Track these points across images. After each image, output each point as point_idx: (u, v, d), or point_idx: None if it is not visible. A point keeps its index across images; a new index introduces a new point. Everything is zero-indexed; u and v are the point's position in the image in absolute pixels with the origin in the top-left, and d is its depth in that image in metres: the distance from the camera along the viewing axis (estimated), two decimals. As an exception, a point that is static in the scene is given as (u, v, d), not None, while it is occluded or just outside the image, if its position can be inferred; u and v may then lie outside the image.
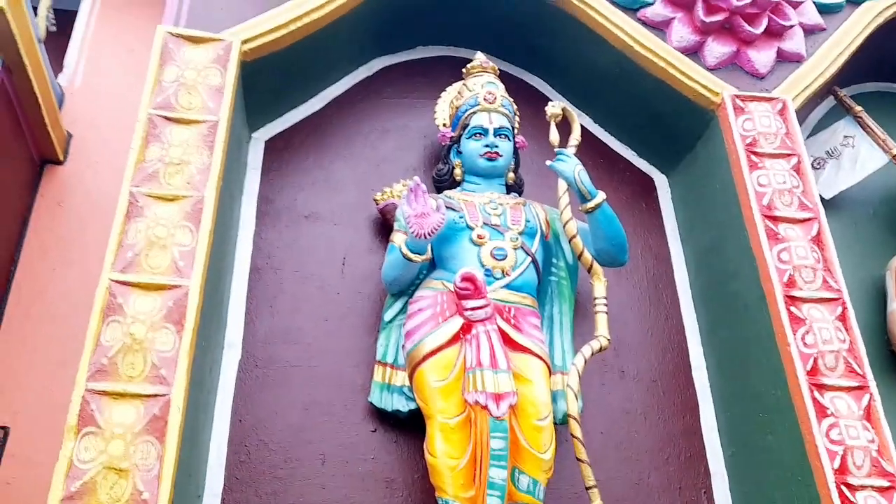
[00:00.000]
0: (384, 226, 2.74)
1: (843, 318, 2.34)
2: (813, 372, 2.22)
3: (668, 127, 2.93)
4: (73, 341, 2.27)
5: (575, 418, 2.21)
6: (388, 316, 2.52)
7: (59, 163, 2.99)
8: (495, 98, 2.72)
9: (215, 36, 2.57)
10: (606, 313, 2.38)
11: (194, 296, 2.11)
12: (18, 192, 2.85)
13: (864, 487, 2.07)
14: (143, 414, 1.94)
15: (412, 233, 2.31)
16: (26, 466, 2.43)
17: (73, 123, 3.08)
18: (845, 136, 2.94)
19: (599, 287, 2.43)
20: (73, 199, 2.95)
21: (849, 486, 2.06)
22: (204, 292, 2.16)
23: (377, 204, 2.75)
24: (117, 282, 2.10)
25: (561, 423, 2.31)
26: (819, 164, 2.94)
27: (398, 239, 2.45)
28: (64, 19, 3.30)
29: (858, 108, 2.99)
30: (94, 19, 3.43)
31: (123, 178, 2.27)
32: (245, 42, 2.60)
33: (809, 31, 2.93)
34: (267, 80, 2.75)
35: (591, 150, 2.99)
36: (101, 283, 2.09)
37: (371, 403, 2.43)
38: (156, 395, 1.96)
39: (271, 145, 2.91)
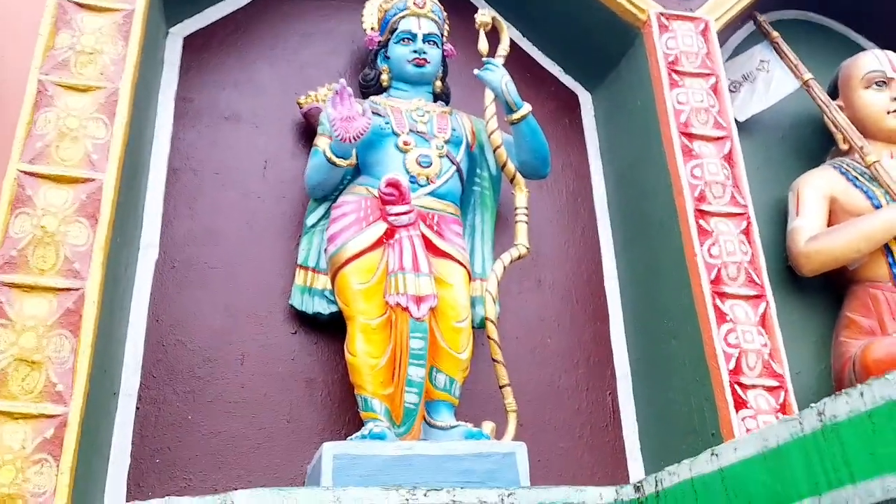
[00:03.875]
0: (308, 130, 2.70)
1: (747, 232, 2.47)
2: (716, 281, 2.35)
3: (595, 43, 2.95)
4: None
5: (492, 321, 2.29)
6: (310, 220, 2.51)
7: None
8: (425, 3, 2.67)
9: (130, -82, 2.43)
10: (527, 223, 2.45)
11: (109, 190, 2.06)
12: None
13: (755, 387, 2.23)
14: (56, 307, 1.90)
15: (337, 136, 2.27)
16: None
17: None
18: (761, 61, 3.01)
19: (521, 197, 2.48)
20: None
21: (741, 385, 2.22)
22: (119, 188, 2.10)
23: (301, 107, 2.69)
24: (26, 173, 2.02)
25: (478, 327, 2.38)
26: (735, 87, 3.01)
27: (322, 143, 2.41)
28: None
29: (775, 33, 3.06)
30: None
31: (31, 66, 2.16)
32: (163, -73, 2.47)
33: (735, -47, 2.96)
34: (186, -29, 2.63)
35: (518, 63, 2.98)
36: (8, 173, 2.01)
37: (292, 306, 2.44)
38: (69, 289, 1.92)
39: (190, 42, 2.79)
